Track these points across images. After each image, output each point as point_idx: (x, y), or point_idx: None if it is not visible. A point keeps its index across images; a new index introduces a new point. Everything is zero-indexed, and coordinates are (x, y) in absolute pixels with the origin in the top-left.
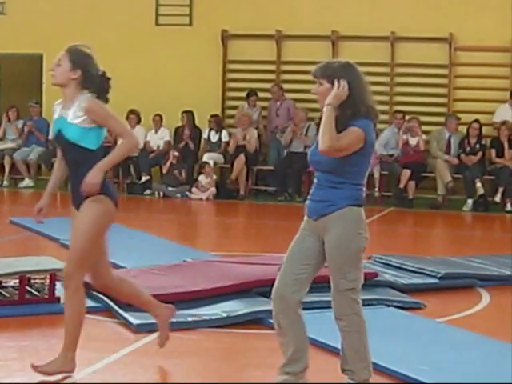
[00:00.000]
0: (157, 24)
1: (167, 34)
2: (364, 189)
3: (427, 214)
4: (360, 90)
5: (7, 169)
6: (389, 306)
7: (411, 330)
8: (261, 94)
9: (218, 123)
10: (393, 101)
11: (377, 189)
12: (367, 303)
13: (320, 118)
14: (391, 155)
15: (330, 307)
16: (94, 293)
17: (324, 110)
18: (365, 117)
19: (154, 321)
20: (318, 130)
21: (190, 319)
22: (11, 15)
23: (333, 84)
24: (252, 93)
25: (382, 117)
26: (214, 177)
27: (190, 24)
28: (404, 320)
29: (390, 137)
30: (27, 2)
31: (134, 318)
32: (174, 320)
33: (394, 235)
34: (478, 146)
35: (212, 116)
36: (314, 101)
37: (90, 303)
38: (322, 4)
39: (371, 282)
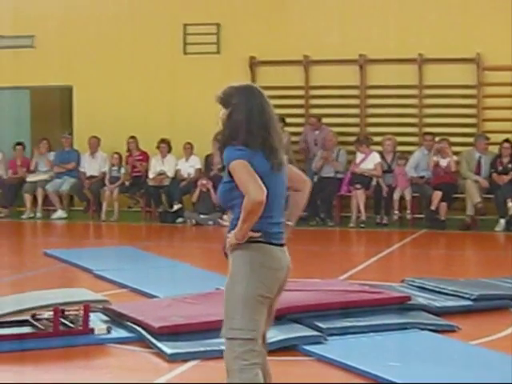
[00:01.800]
0: (185, 53)
1: (195, 62)
2: (273, 220)
3: (460, 236)
4: (243, 115)
5: (40, 200)
6: (422, 329)
7: (445, 354)
8: (290, 120)
9: None
10: (422, 123)
11: (408, 211)
12: (401, 327)
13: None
14: (422, 177)
15: (362, 332)
16: (128, 323)
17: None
18: (244, 144)
19: (188, 350)
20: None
21: (223, 347)
22: (41, 48)
23: (226, 108)
24: (280, 119)
25: (412, 139)
26: None
27: (218, 52)
28: (438, 343)
29: (420, 158)
30: (56, 35)
31: (167, 348)
32: (208, 348)
33: (427, 258)
34: (510, 165)
35: None
36: (344, 124)
37: (123, 334)
38: (348, 28)
39: (404, 305)
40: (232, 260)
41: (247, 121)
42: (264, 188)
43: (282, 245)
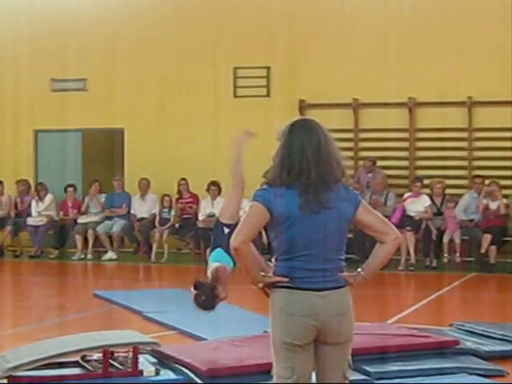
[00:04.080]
0: (235, 96)
1: (245, 105)
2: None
3: (509, 279)
4: (284, 151)
5: (91, 242)
6: (471, 373)
7: None
8: None
9: None
10: (472, 165)
11: (458, 254)
12: (449, 371)
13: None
14: (471, 220)
15: (411, 376)
16: (176, 365)
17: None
18: (273, 181)
19: None
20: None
21: None
22: (93, 91)
23: None
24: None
25: (461, 182)
26: None
27: (268, 95)
28: None
29: (469, 202)
30: (108, 78)
31: None
32: None
33: (476, 301)
34: None
35: None
36: (393, 167)
37: (171, 376)
38: (398, 71)
39: (453, 349)
40: None
41: (285, 156)
42: (243, 236)
43: (317, 289)
